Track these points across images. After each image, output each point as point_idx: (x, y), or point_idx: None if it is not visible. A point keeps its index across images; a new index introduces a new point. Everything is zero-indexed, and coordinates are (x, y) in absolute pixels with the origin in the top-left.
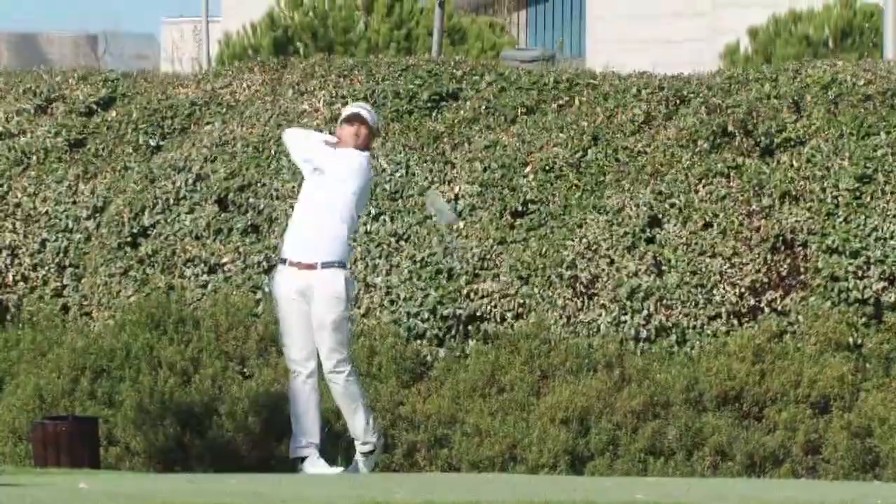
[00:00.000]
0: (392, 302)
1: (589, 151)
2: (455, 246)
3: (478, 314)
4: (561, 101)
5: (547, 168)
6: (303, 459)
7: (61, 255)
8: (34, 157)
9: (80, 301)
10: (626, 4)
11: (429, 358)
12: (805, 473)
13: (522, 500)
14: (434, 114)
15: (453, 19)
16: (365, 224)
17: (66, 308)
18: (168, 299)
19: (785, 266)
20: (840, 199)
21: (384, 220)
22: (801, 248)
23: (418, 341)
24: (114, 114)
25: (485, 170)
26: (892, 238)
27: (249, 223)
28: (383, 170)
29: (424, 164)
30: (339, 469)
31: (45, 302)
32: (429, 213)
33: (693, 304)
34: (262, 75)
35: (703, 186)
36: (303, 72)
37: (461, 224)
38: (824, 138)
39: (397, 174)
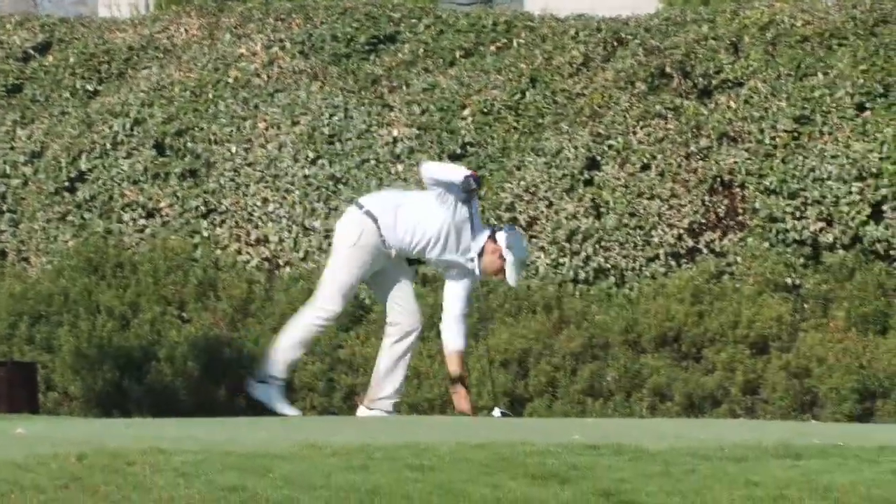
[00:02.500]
0: (331, 245)
1: (527, 94)
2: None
3: None
4: (499, 44)
5: (485, 110)
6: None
7: None
8: None
9: (17, 246)
10: None
11: (367, 301)
12: (743, 413)
13: (461, 442)
14: (372, 57)
15: None
16: (303, 167)
17: (3, 253)
18: (106, 244)
19: (723, 207)
20: (778, 140)
21: (322, 164)
22: (739, 189)
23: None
24: (51, 59)
25: (423, 112)
26: (829, 179)
27: (187, 168)
28: (321, 113)
29: (363, 108)
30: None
31: None
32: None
33: (632, 245)
34: (200, 19)
35: (642, 128)
36: (240, 15)
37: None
38: (762, 79)
39: (335, 118)
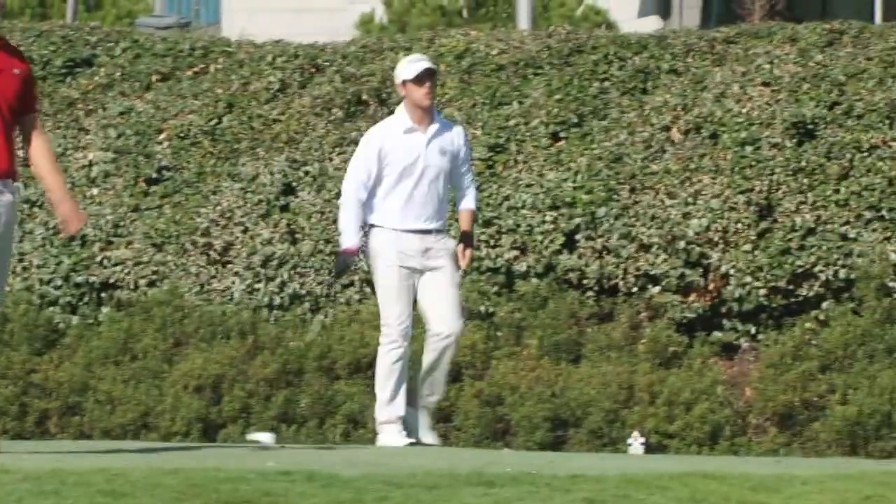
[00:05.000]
0: (25, 269)
1: (224, 119)
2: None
3: (111, 281)
4: (196, 69)
5: (181, 135)
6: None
7: None
8: None
9: None
10: None
11: (62, 325)
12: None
13: (154, 468)
14: (68, 80)
15: None
16: None
17: None
18: None
19: None
20: (473, 168)
21: (17, 187)
22: None
23: (51, 308)
24: None
25: (119, 136)
26: (523, 207)
27: None
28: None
29: (58, 131)
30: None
31: None
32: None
33: (327, 272)
34: None
35: (338, 154)
36: None
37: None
38: (458, 107)
39: None
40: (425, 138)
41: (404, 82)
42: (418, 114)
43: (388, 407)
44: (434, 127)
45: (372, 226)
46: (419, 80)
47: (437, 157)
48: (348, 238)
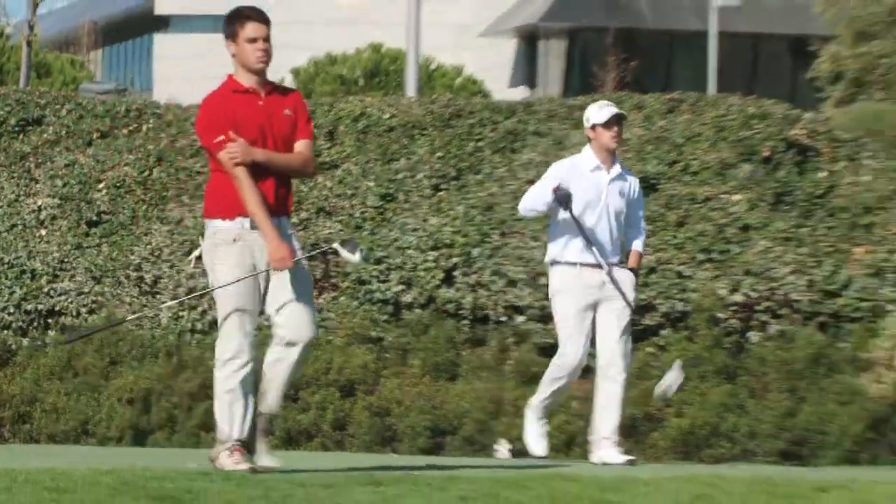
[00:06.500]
0: None
1: (154, 171)
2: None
3: (57, 309)
4: (131, 128)
5: (118, 185)
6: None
7: None
8: None
9: None
10: (187, 46)
11: (13, 346)
12: (333, 447)
13: (93, 468)
14: (21, 136)
15: (40, 55)
16: None
17: None
18: None
19: (320, 270)
20: (367, 214)
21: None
22: (333, 256)
23: (5, 332)
24: None
25: (64, 185)
26: (409, 248)
27: None
28: None
29: (12, 180)
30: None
31: None
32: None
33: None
34: None
35: None
36: None
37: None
38: (354, 163)
39: None
40: (608, 178)
41: (594, 126)
42: (603, 155)
43: (539, 406)
44: (616, 169)
45: (554, 262)
46: (608, 124)
47: (617, 198)
48: (550, 186)
